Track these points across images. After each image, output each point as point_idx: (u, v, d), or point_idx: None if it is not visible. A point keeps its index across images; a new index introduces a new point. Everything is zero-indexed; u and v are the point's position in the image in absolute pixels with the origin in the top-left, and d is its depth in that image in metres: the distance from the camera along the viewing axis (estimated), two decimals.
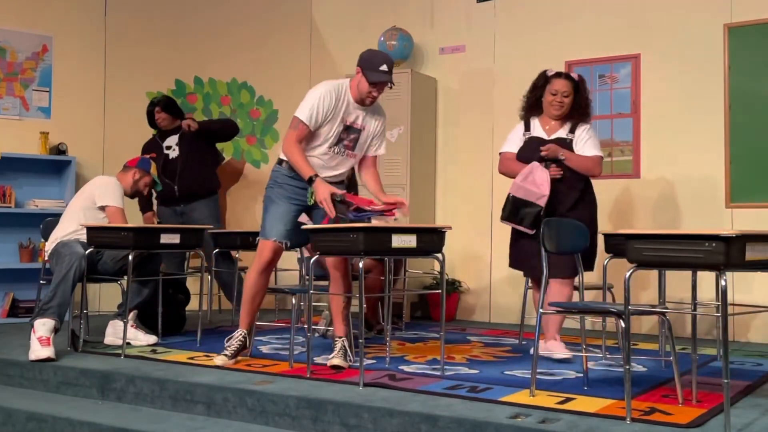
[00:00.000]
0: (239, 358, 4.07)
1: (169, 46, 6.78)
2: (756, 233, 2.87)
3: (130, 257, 4.27)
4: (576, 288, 3.99)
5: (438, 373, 3.78)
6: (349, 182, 4.61)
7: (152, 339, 4.66)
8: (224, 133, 6.07)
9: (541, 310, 3.46)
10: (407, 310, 6.01)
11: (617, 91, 5.71)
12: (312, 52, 7.04)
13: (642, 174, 5.58)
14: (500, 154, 4.52)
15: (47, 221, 5.00)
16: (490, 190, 6.13)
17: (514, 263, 4.48)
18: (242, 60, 6.96)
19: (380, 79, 3.89)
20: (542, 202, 4.15)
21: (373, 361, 4.10)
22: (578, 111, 4.36)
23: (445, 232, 3.84)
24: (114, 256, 4.57)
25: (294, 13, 7.07)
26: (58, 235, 4.64)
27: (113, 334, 4.62)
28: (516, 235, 4.40)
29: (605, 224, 5.09)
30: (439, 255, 3.83)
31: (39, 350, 4.11)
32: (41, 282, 4.79)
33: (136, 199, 5.52)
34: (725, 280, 2.80)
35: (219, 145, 6.28)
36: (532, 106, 4.44)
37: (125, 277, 4.45)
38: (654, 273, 3.66)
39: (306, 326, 3.93)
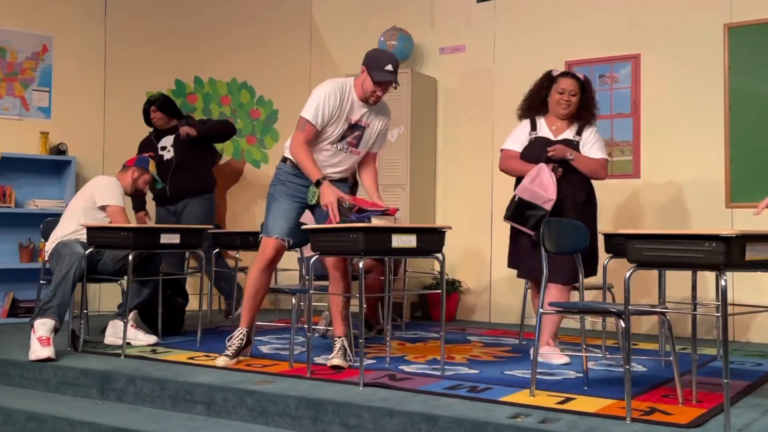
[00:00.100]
0: (240, 357, 4.07)
1: (169, 45, 6.78)
2: (756, 233, 2.87)
3: (130, 257, 4.27)
4: (576, 288, 3.99)
5: (438, 373, 3.78)
6: (354, 181, 4.61)
7: (152, 339, 4.66)
8: (222, 134, 6.08)
9: (541, 310, 3.46)
10: (407, 310, 6.01)
11: (617, 91, 5.71)
12: (312, 52, 7.04)
13: (642, 174, 5.58)
14: (502, 150, 4.49)
15: (47, 221, 5.00)
16: (490, 190, 6.13)
17: (513, 263, 4.46)
18: (242, 60, 6.96)
19: (385, 79, 3.89)
20: (549, 206, 4.12)
21: (373, 361, 4.10)
22: (585, 110, 4.35)
23: (445, 232, 3.84)
24: (114, 256, 4.57)
25: (294, 13, 7.07)
26: (58, 235, 4.65)
27: (113, 334, 4.62)
28: (515, 234, 4.38)
29: (605, 224, 5.08)
30: (439, 255, 3.83)
31: (39, 350, 4.11)
32: (41, 282, 4.79)
33: (130, 198, 5.52)
34: (725, 280, 2.80)
35: (218, 145, 6.28)
36: (538, 106, 4.41)
37: (125, 277, 4.45)
38: (654, 273, 3.66)
39: (306, 326, 3.93)
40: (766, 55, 5.14)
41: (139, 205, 5.79)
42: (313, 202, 3.91)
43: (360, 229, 3.53)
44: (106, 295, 6.05)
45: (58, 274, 4.35)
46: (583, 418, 2.96)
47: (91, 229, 4.46)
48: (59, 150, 6.12)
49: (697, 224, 5.24)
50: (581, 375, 3.66)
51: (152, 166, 5.02)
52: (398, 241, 3.62)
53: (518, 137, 4.42)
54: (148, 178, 5.01)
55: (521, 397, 3.28)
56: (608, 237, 4.61)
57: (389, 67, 3.88)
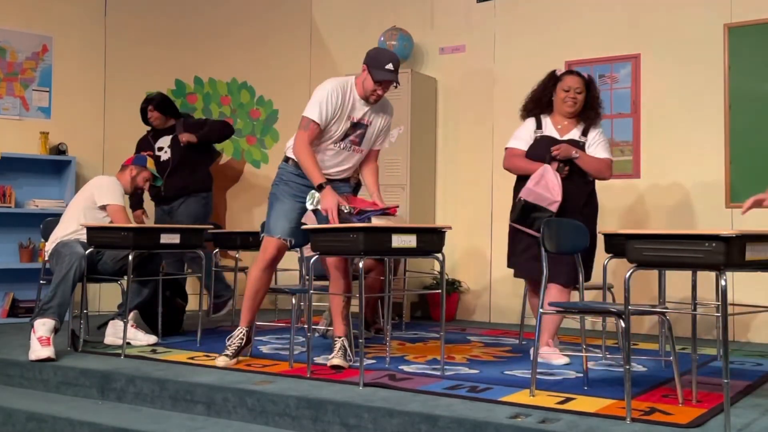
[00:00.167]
0: (240, 357, 4.07)
1: (169, 45, 6.78)
2: (756, 233, 2.87)
3: (130, 257, 4.27)
4: (576, 288, 3.98)
5: (438, 373, 3.78)
6: (356, 182, 4.62)
7: (152, 339, 4.67)
8: (221, 135, 6.08)
9: (541, 310, 3.46)
10: (407, 310, 6.01)
11: (617, 91, 5.71)
12: (312, 52, 7.04)
13: (642, 174, 5.58)
14: (506, 149, 4.45)
15: (47, 221, 5.00)
16: (490, 190, 6.13)
17: (512, 263, 4.44)
18: (242, 60, 6.96)
19: (385, 78, 3.89)
20: (554, 208, 4.10)
21: (373, 361, 4.10)
22: (590, 109, 4.33)
23: (445, 232, 3.84)
24: (114, 256, 4.57)
25: (294, 13, 7.07)
26: (58, 235, 4.65)
27: (113, 334, 4.62)
28: (514, 234, 4.35)
29: (605, 224, 5.08)
30: (439, 255, 3.83)
31: (39, 350, 4.11)
32: (41, 282, 4.79)
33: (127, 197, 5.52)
34: (725, 280, 2.80)
35: (218, 145, 6.28)
36: (543, 105, 4.39)
37: (125, 277, 4.45)
38: (654, 273, 3.66)
39: (306, 326, 3.93)
40: (766, 55, 5.14)
41: (136, 203, 5.79)
42: (312, 207, 3.90)
43: (360, 229, 3.53)
44: (106, 295, 6.05)
45: (58, 274, 4.35)
46: (583, 418, 2.96)
47: (91, 229, 4.46)
48: (59, 150, 6.12)
49: (697, 224, 5.24)
50: (581, 375, 3.66)
51: (150, 164, 5.02)
52: (398, 241, 3.62)
53: (523, 135, 4.38)
54: (148, 176, 5.01)
55: (521, 397, 3.28)
56: (608, 237, 4.60)
57: (390, 66, 3.88)
